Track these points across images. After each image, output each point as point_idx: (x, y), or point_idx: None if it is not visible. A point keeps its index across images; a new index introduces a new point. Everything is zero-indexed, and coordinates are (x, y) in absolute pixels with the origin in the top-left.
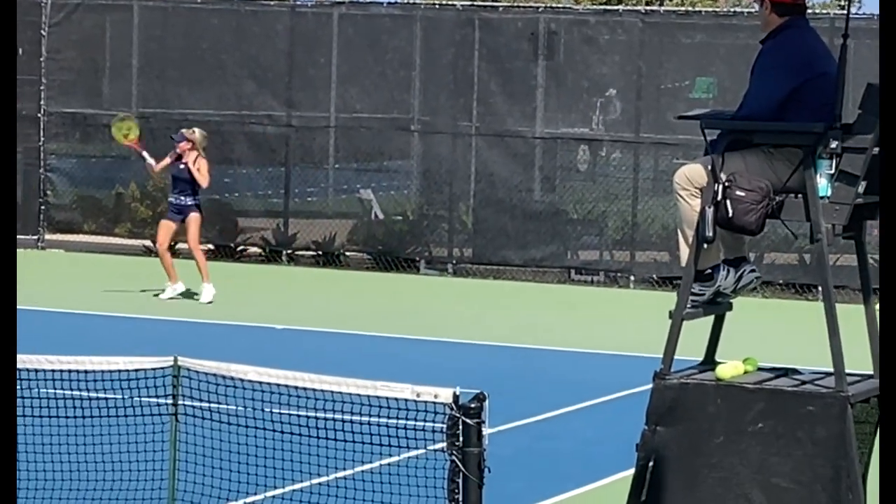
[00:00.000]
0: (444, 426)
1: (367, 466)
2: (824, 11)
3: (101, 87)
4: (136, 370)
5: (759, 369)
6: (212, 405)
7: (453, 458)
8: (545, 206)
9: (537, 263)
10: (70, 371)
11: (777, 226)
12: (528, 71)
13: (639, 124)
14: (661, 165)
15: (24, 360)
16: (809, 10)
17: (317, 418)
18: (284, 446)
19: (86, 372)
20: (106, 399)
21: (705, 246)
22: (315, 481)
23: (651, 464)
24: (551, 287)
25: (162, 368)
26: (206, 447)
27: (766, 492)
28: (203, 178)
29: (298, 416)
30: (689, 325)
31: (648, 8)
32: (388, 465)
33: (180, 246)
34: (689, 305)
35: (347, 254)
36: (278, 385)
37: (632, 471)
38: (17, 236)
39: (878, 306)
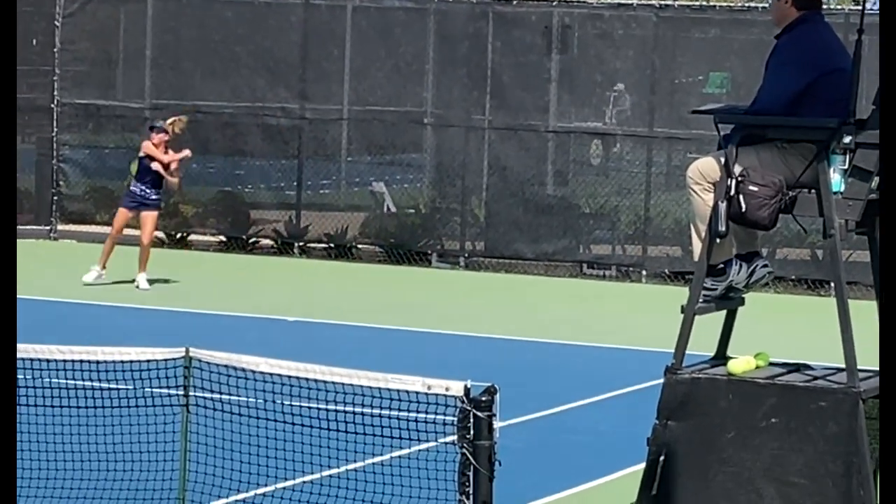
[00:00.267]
0: (455, 419)
1: (377, 459)
2: (839, 7)
3: (115, 78)
4: (148, 361)
5: (771, 364)
6: (223, 396)
7: (464, 450)
8: (558, 199)
9: (549, 257)
10: (82, 361)
11: (790, 221)
12: (541, 65)
13: (652, 119)
14: (675, 160)
15: (36, 350)
16: (824, 6)
17: (328, 410)
18: (295, 438)
19: (97, 362)
20: (118, 390)
21: (718, 241)
22: (326, 473)
23: (662, 458)
24: (563, 281)
25: (173, 359)
26: (217, 438)
27: (777, 487)
28: (172, 158)
29: (310, 408)
30: (701, 320)
31: (663, 2)
32: (399, 457)
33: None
34: (701, 300)
35: (359, 246)
36: (289, 377)
37: (643, 465)
38: (31, 227)
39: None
